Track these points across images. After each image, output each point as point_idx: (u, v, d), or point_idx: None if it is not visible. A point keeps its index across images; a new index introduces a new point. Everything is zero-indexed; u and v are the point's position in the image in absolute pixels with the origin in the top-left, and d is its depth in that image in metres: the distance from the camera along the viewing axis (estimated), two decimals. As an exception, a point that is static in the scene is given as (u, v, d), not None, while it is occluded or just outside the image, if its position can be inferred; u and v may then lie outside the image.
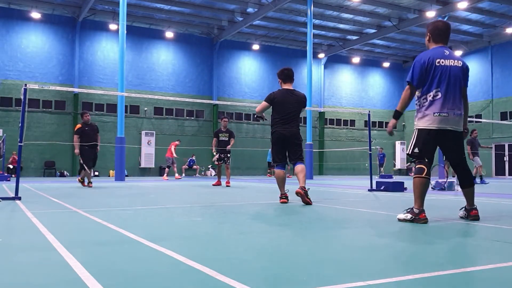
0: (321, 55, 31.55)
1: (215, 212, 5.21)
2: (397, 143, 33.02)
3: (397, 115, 4.31)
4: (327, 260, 2.48)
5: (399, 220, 4.16)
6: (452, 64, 4.16)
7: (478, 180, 14.79)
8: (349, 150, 26.18)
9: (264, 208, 5.68)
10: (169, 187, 11.34)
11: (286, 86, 6.42)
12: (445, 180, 10.36)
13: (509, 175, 27.72)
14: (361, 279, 2.00)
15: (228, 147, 11.54)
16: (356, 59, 32.76)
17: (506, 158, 27.84)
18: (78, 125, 10.85)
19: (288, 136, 6.19)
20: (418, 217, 4.03)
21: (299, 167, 6.15)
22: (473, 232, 3.66)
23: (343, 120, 32.37)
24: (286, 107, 6.22)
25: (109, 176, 23.41)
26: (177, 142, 20.84)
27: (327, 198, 7.42)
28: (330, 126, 31.89)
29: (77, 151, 10.47)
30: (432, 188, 10.24)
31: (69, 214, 4.91)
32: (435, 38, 4.30)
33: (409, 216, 4.09)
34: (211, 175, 27.02)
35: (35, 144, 22.07)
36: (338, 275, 2.15)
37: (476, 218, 4.22)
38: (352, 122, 32.65)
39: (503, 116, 28.09)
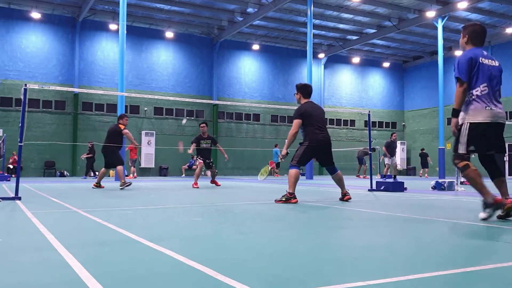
0: (321, 55, 31.55)
1: (215, 212, 5.21)
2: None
3: (455, 113, 4.33)
4: (327, 260, 2.48)
5: (483, 219, 4.15)
6: (492, 64, 4.38)
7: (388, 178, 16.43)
8: (349, 150, 26.16)
9: (264, 208, 5.68)
10: (169, 187, 11.34)
11: (307, 100, 6.84)
12: (445, 180, 10.36)
13: (509, 175, 27.72)
14: (361, 279, 2.00)
15: (226, 158, 11.90)
16: (356, 59, 32.76)
17: (506, 158, 27.84)
18: (124, 129, 10.55)
19: (325, 144, 6.58)
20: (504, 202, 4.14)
21: (339, 174, 6.70)
22: (473, 232, 3.66)
23: (343, 120, 32.35)
24: (318, 115, 6.63)
25: (109, 176, 23.40)
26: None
27: (327, 198, 7.41)
28: (330, 126, 31.86)
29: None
30: (432, 188, 10.24)
31: (69, 214, 4.91)
32: (473, 41, 4.50)
33: (491, 210, 4.14)
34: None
35: (35, 144, 22.06)
36: (338, 275, 2.15)
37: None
38: (352, 122, 32.64)
39: (503, 116, 28.06)
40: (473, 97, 4.23)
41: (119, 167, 10.42)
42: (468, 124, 4.22)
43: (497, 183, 4.34)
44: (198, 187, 11.64)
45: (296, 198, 6.33)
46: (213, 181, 11.99)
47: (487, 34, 4.50)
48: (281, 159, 7.06)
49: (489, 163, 4.40)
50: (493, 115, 4.18)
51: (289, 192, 6.31)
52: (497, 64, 4.45)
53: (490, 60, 4.40)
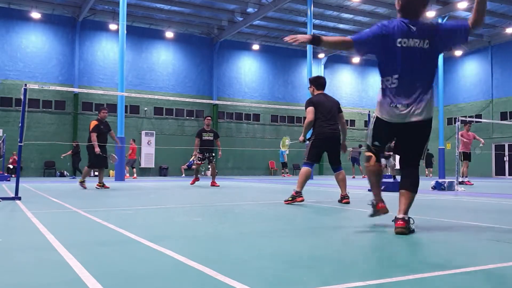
0: (321, 55, 31.54)
1: (215, 212, 5.20)
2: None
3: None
4: (327, 260, 2.48)
5: (369, 216, 3.99)
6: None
7: None
8: (349, 150, 26.15)
9: (264, 208, 5.68)
10: (169, 187, 11.34)
11: (320, 92, 6.65)
12: (444, 180, 10.35)
13: (509, 175, 27.71)
14: (361, 279, 2.00)
15: (219, 155, 11.92)
16: (356, 59, 32.75)
17: (506, 158, 27.83)
18: (95, 122, 9.95)
19: (333, 138, 6.41)
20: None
21: (343, 174, 6.55)
22: (473, 232, 3.66)
23: (343, 120, 32.36)
24: (326, 105, 6.43)
25: (109, 176, 23.40)
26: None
27: (327, 198, 7.41)
28: (330, 126, 31.88)
29: (97, 149, 9.60)
30: (432, 188, 10.24)
31: (69, 214, 4.91)
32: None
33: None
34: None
35: (35, 144, 22.06)
36: (338, 275, 2.15)
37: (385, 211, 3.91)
38: (352, 122, 32.63)
39: (503, 116, 28.08)
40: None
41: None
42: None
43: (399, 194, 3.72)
44: (197, 181, 12.00)
45: (302, 197, 6.18)
46: (213, 183, 11.92)
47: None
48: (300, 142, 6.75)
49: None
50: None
51: (295, 191, 6.18)
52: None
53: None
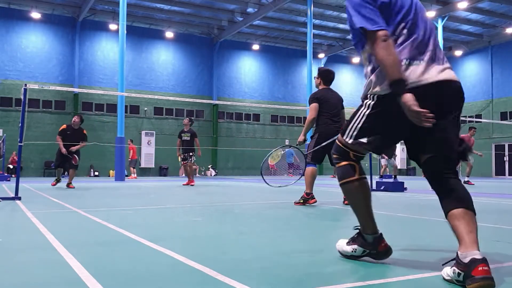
0: (321, 55, 31.54)
1: (215, 212, 5.20)
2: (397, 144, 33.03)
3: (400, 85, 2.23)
4: (327, 260, 2.48)
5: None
6: None
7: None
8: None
9: (264, 208, 5.68)
10: (169, 187, 11.34)
11: (325, 87, 6.33)
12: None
13: (509, 175, 27.70)
14: (361, 279, 2.00)
15: (199, 153, 12.11)
16: (356, 59, 32.74)
17: (506, 158, 27.83)
18: (63, 126, 10.71)
19: (337, 135, 6.17)
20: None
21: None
22: (473, 232, 3.66)
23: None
24: (331, 102, 6.13)
25: (109, 176, 23.40)
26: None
27: (327, 198, 7.41)
28: (330, 126, 31.89)
29: (63, 150, 10.38)
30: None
31: (69, 214, 4.91)
32: None
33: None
34: (211, 175, 27.02)
35: (35, 144, 22.04)
36: (338, 275, 2.15)
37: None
38: (352, 122, 32.65)
39: (503, 116, 28.08)
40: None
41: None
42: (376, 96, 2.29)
43: None
44: (193, 183, 11.99)
45: (314, 199, 6.00)
46: (190, 181, 12.22)
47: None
48: (297, 144, 6.31)
49: None
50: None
51: (306, 193, 6.00)
52: None
53: None
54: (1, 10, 23.31)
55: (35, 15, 23.56)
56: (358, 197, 2.39)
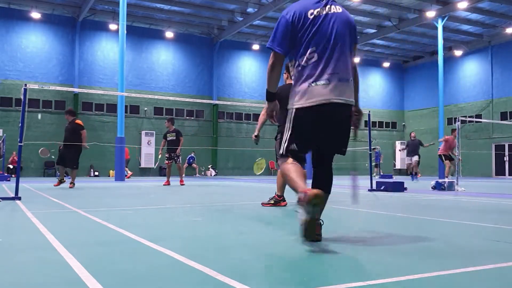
0: (321, 55, 31.54)
1: (215, 212, 5.20)
2: (397, 143, 33.06)
3: (269, 96, 3.24)
4: (327, 260, 2.48)
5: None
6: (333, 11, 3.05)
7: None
8: (349, 150, 26.20)
9: (264, 208, 5.68)
10: (169, 187, 11.34)
11: None
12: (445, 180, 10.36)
13: (509, 175, 27.71)
14: (361, 279, 2.00)
15: (178, 151, 12.03)
16: (356, 59, 32.69)
17: (506, 158, 27.83)
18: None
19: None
20: None
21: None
22: (473, 232, 3.66)
23: (343, 120, 32.36)
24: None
25: (109, 176, 23.40)
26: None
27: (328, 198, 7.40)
28: (330, 126, 31.88)
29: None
30: (432, 188, 10.24)
31: (69, 214, 4.91)
32: None
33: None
34: (211, 175, 27.02)
35: (35, 144, 22.03)
36: (338, 275, 2.15)
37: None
38: (352, 122, 32.66)
39: (503, 116, 28.08)
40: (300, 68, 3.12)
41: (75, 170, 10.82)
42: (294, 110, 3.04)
43: None
44: (169, 184, 12.06)
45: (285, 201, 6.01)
46: (180, 181, 12.50)
47: None
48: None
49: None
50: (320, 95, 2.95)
51: (277, 195, 6.05)
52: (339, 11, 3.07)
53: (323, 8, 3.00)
54: (1, 10, 23.31)
55: (35, 15, 23.56)
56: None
